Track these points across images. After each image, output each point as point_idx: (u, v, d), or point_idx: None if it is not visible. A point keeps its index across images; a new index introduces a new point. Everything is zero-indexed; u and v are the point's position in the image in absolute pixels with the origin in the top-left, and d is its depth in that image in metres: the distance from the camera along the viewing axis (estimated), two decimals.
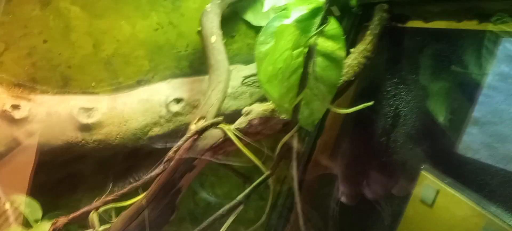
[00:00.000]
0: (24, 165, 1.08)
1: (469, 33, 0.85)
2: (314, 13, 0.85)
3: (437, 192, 0.84)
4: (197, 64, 1.20)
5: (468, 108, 0.86)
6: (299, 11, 0.86)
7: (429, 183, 0.87)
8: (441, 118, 0.91)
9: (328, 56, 0.84)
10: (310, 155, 1.25)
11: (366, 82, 1.11)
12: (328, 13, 0.83)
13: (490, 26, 0.79)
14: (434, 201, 0.85)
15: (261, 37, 0.87)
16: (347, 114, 1.17)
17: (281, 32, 0.83)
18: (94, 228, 0.89)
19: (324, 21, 0.79)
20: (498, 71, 0.84)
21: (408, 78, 1.00)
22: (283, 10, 0.88)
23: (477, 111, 0.85)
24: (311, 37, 0.79)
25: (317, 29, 0.79)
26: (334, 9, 0.83)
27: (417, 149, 0.95)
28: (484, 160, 0.80)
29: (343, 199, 1.11)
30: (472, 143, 0.85)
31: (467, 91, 0.88)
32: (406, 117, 0.99)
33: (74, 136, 1.10)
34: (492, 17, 0.77)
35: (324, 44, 0.83)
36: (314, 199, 1.27)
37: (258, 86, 1.11)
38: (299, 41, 0.83)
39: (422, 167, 0.90)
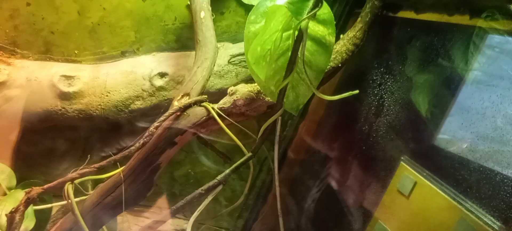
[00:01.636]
0: (3, 130, 1.05)
1: (459, 27, 0.85)
2: None
3: (415, 184, 0.85)
4: (184, 39, 1.17)
5: (451, 102, 0.87)
6: None
7: (407, 174, 0.88)
8: (423, 111, 0.92)
9: (318, 41, 0.82)
10: (291, 139, 1.25)
11: (353, 70, 1.10)
12: None
13: (480, 22, 0.79)
14: (411, 192, 0.86)
15: (251, 16, 0.86)
16: (331, 101, 1.17)
17: (272, 13, 0.81)
18: (69, 199, 0.87)
19: (317, 4, 0.77)
20: (483, 68, 0.84)
21: (394, 68, 1.00)
22: None
23: (460, 107, 0.85)
24: (303, 20, 0.77)
25: (309, 12, 0.77)
26: None
27: (398, 139, 0.95)
28: (464, 155, 0.81)
29: (324, 182, 1.12)
30: (452, 138, 0.85)
31: (451, 86, 0.89)
32: (389, 107, 0.99)
33: (54, 104, 1.08)
34: (483, 13, 0.77)
35: (315, 28, 0.82)
36: (293, 182, 1.28)
37: (245, 66, 1.09)
38: (290, 23, 0.81)
39: (401, 158, 0.91)
